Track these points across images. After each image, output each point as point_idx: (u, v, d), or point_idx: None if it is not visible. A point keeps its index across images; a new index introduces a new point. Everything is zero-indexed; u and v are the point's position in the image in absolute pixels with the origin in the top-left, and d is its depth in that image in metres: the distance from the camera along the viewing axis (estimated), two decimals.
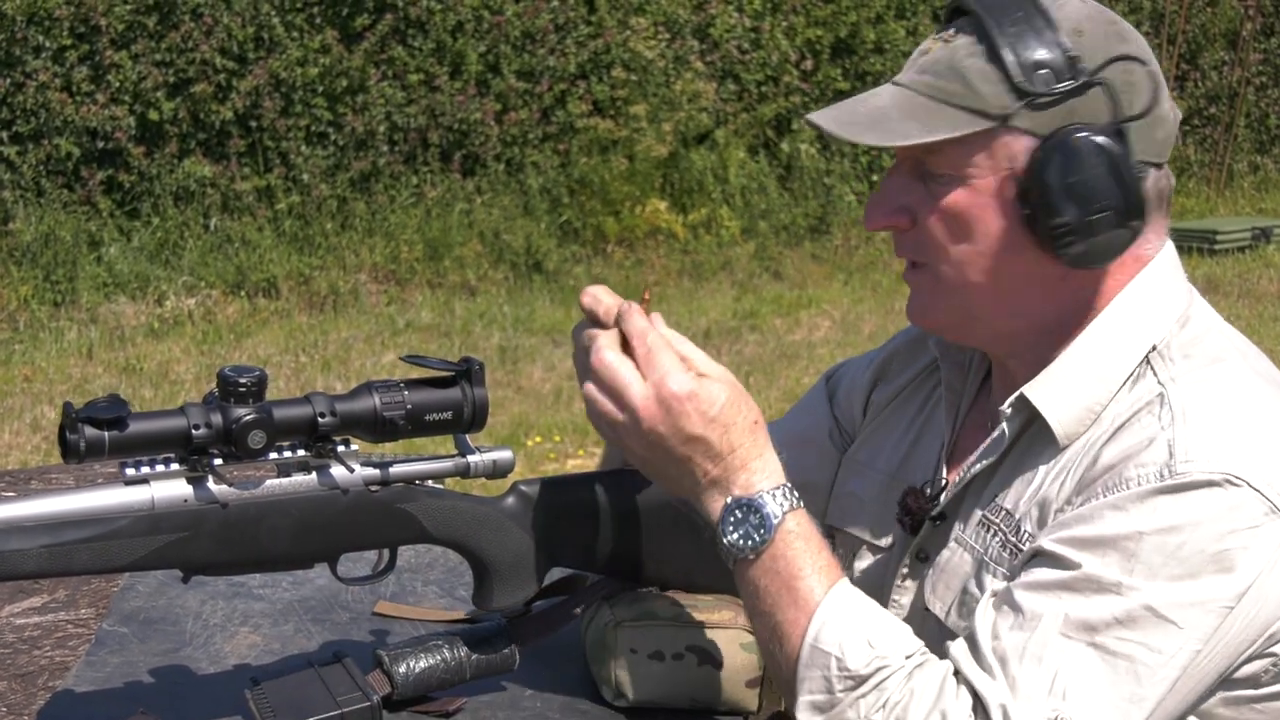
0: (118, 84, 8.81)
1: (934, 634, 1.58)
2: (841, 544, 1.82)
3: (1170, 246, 1.61)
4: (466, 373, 1.55)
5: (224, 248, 9.03)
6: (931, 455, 1.72)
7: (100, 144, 8.82)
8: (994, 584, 1.52)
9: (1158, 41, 11.65)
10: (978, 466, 1.60)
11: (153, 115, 8.88)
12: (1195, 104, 12.67)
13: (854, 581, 1.77)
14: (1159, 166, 1.54)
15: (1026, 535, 1.52)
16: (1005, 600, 1.45)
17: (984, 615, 1.45)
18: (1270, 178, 13.15)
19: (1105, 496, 1.44)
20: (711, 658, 1.65)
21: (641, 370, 1.48)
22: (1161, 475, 1.42)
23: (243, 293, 8.92)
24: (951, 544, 1.61)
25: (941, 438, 1.72)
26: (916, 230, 1.58)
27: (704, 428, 1.47)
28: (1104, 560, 1.41)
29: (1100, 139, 1.48)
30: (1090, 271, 1.54)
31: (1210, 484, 1.41)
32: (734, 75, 10.65)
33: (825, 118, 1.57)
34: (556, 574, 1.73)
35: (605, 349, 1.50)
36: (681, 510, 1.69)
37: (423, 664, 1.63)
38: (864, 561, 1.78)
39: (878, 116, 1.54)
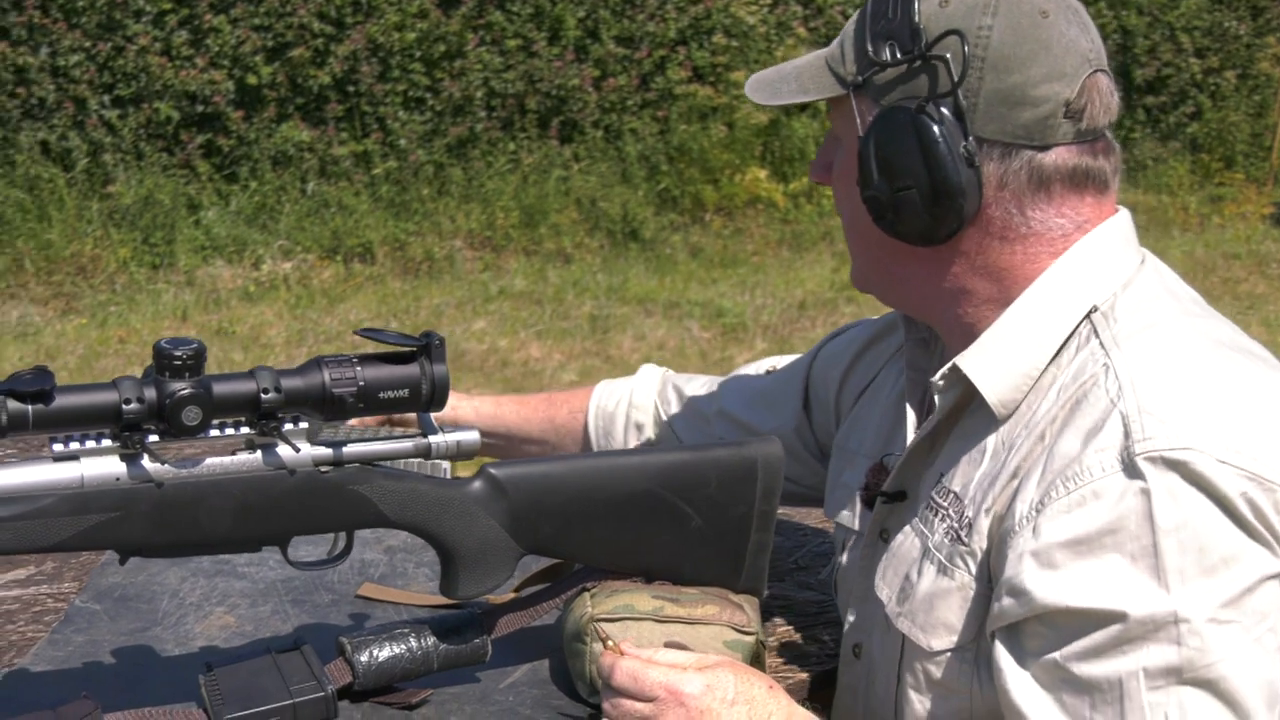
0: (217, 48, 8.83)
1: (880, 623, 1.55)
2: (835, 538, 1.77)
3: (1121, 219, 1.52)
4: (426, 348, 1.46)
5: (320, 212, 9.03)
6: (904, 435, 1.64)
7: (199, 108, 8.84)
8: (929, 572, 1.48)
9: None
10: (911, 438, 1.56)
11: (251, 79, 8.89)
12: None
13: (843, 574, 1.69)
14: (1041, 149, 1.45)
15: (968, 523, 1.45)
16: (1065, 681, 1.33)
17: (1047, 709, 1.34)
18: None
19: (1074, 492, 1.35)
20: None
21: (650, 695, 1.42)
22: (1122, 459, 1.33)
23: (338, 257, 8.93)
24: (905, 528, 1.56)
25: (910, 418, 1.64)
26: None
27: (731, 712, 1.41)
28: (1140, 593, 1.30)
29: (916, 114, 1.43)
30: (976, 248, 1.49)
31: (1176, 464, 1.31)
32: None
33: (752, 80, 1.60)
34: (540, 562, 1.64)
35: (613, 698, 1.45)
36: (664, 496, 1.60)
37: (386, 653, 1.56)
38: (850, 552, 1.71)
39: (784, 77, 1.56)
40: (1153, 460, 1.31)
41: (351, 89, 9.15)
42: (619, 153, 9.71)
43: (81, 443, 1.37)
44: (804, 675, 1.75)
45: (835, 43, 1.54)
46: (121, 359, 7.20)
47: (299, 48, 8.97)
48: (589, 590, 1.61)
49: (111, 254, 8.43)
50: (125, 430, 1.36)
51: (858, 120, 1.49)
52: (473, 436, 1.51)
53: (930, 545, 1.50)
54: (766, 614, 1.84)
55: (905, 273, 1.54)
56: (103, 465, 1.37)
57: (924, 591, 1.48)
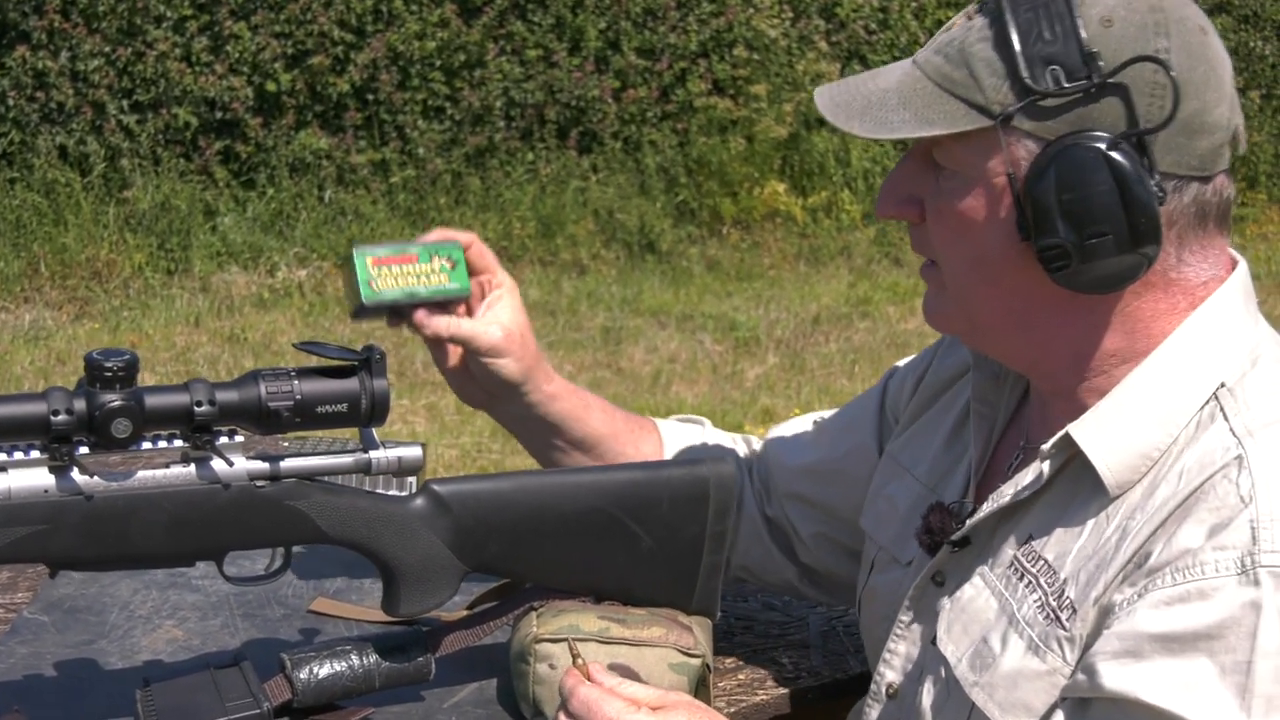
0: (236, 55, 8.85)
1: (933, 670, 1.44)
2: (866, 551, 1.69)
3: (1242, 269, 1.41)
4: (366, 362, 1.44)
5: (337, 220, 9.04)
6: (963, 473, 1.57)
7: (218, 114, 8.86)
8: (1015, 646, 1.36)
9: None
10: (1006, 499, 1.42)
11: (270, 86, 8.91)
12: None
13: (870, 593, 1.64)
14: (1204, 180, 1.34)
15: (1069, 605, 1.33)
16: None
17: None
18: None
19: (1180, 585, 1.26)
20: (636, 677, 1.52)
21: None
22: (1242, 563, 1.24)
23: None
24: (976, 580, 1.44)
25: (971, 453, 1.56)
26: (924, 227, 1.43)
27: None
28: (1220, 710, 1.22)
29: (1109, 152, 1.29)
30: (1117, 295, 1.36)
31: None
32: (860, 56, 10.41)
33: (825, 96, 1.43)
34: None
35: None
36: (615, 515, 1.57)
37: (326, 670, 1.53)
38: (884, 574, 1.63)
39: (875, 101, 1.38)
40: (1275, 574, 1.22)
41: (371, 97, 9.16)
42: (638, 164, 9.69)
43: (9, 454, 1.35)
44: (761, 697, 1.72)
45: (943, 60, 1.36)
46: None
47: (319, 55, 8.99)
48: (536, 610, 1.59)
49: (127, 259, 8.45)
50: (54, 442, 1.34)
51: (1006, 157, 1.33)
52: (414, 452, 1.49)
53: (1018, 615, 1.38)
54: (727, 633, 1.81)
55: (1036, 322, 1.40)
56: (31, 477, 1.35)
57: (1009, 668, 1.36)
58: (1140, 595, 1.27)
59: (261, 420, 1.40)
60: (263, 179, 9.01)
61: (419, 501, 1.51)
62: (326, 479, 1.47)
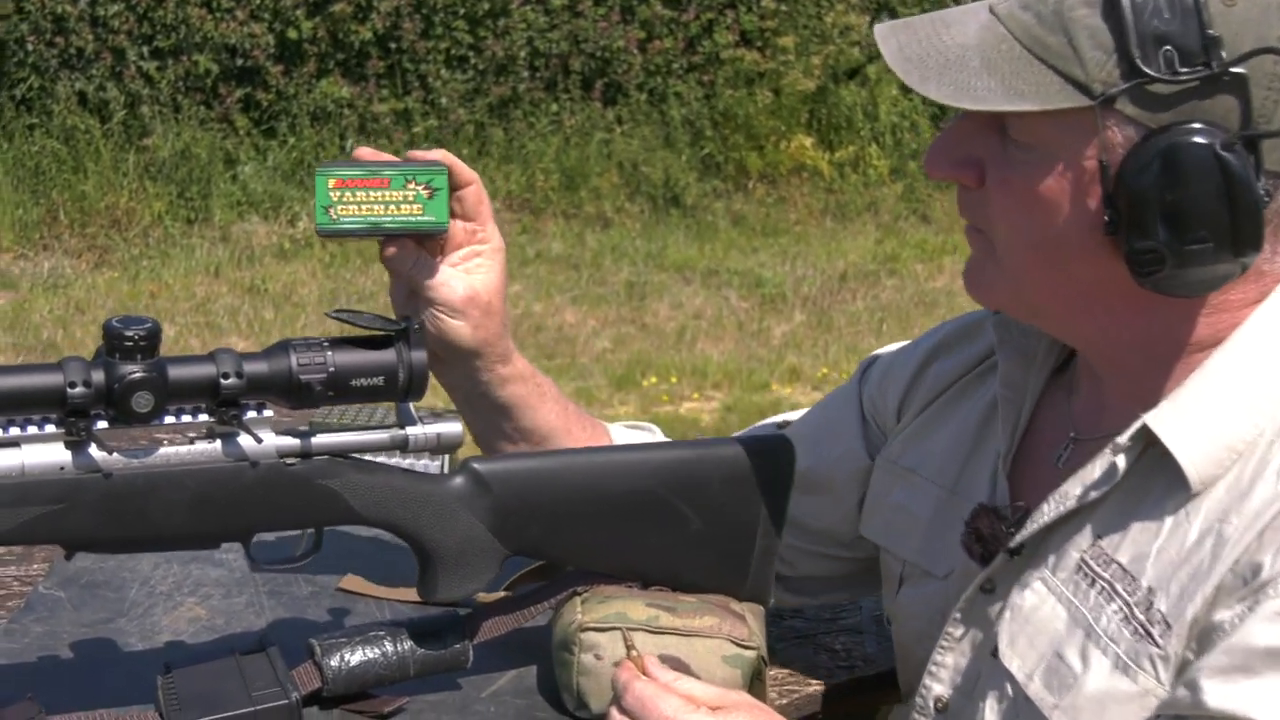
0: (257, 1, 8.73)
1: (995, 686, 1.33)
2: (887, 564, 1.56)
3: None
4: (404, 332, 1.34)
5: None
6: (991, 465, 1.44)
7: (239, 62, 8.75)
8: (1098, 665, 1.24)
9: None
10: (1073, 499, 1.30)
11: (291, 34, 8.79)
12: None
13: (901, 608, 1.54)
14: None
15: (1161, 619, 1.21)
16: None
17: None
18: None
19: None
20: (687, 669, 1.43)
21: None
22: None
23: None
24: (1036, 586, 1.31)
25: (998, 445, 1.43)
26: (982, 192, 1.29)
27: None
28: None
29: (1222, 151, 1.16)
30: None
31: None
32: (889, 8, 10.24)
33: (892, 43, 1.26)
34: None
35: None
36: (664, 496, 1.48)
37: (359, 657, 1.44)
38: (917, 587, 1.51)
39: (954, 59, 1.23)
40: None
41: (393, 46, 9.04)
42: (663, 116, 9.57)
43: (23, 428, 1.26)
44: (814, 687, 1.63)
45: (1034, 20, 1.20)
46: (151, 314, 7.10)
47: (341, 2, 8.86)
48: (580, 595, 1.50)
49: (146, 207, 8.36)
50: (71, 416, 1.25)
51: (1100, 141, 1.19)
52: (455, 428, 1.40)
53: (1096, 628, 1.26)
54: (775, 617, 1.72)
55: (1103, 308, 1.28)
56: (45, 453, 1.26)
57: (1095, 689, 1.24)
58: (1251, 609, 1.16)
59: (292, 394, 1.31)
60: (284, 128, 8.91)
61: (458, 480, 1.42)
62: (360, 456, 1.38)
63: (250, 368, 1.29)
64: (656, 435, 1.77)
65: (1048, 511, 1.32)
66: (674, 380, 6.43)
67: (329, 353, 1.32)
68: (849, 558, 1.65)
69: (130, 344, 1.24)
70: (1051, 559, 1.32)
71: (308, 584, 1.71)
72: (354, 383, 1.32)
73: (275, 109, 8.89)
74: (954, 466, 1.50)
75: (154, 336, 1.26)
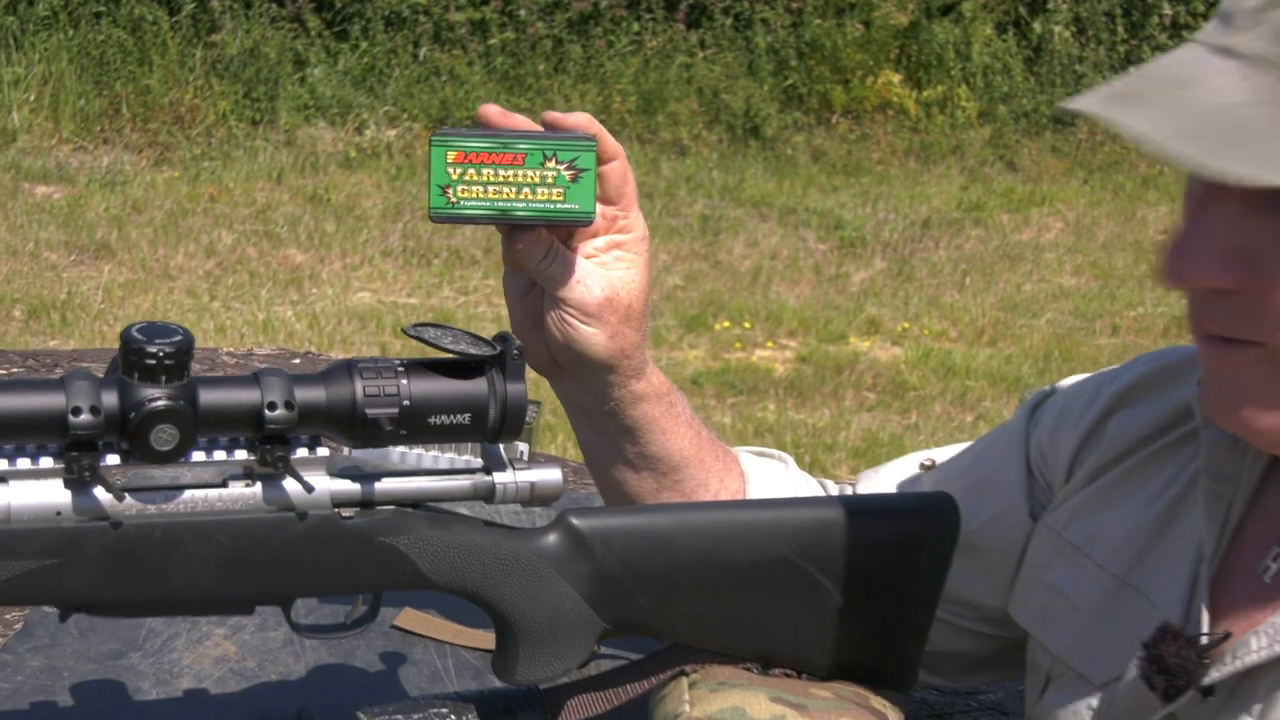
0: None
1: None
2: (1034, 657, 1.28)
3: None
4: (499, 357, 1.06)
5: (430, 80, 8.64)
6: (1183, 568, 1.14)
7: None
8: None
9: None
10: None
11: None
12: None
13: (1047, 713, 1.25)
14: None
15: None
16: None
17: None
18: None
19: None
20: None
21: None
22: None
23: None
24: None
25: (1199, 546, 1.13)
26: (1250, 296, 0.98)
27: None
28: None
29: None
30: None
31: None
32: None
33: (1144, 125, 0.94)
34: None
35: None
36: (799, 565, 1.20)
37: None
38: (1065, 692, 1.22)
39: (1229, 125, 0.93)
40: None
41: None
42: (747, 43, 9.22)
43: (12, 461, 0.99)
44: None
45: None
46: (209, 219, 6.89)
47: None
48: (688, 676, 1.22)
49: (211, 105, 8.10)
50: (72, 449, 0.98)
51: None
52: (553, 478, 1.12)
53: None
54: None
55: None
56: (39, 493, 0.99)
57: None
58: None
59: (354, 430, 1.03)
60: (356, 31, 8.62)
61: (552, 538, 1.14)
62: (433, 505, 1.10)
63: (303, 395, 1.02)
64: (789, 466, 1.48)
65: (1256, 648, 1.03)
66: (747, 325, 6.13)
67: (403, 380, 1.04)
68: (995, 636, 1.36)
69: (153, 362, 0.97)
70: (1258, 708, 1.04)
71: None
72: (433, 419, 1.05)
73: (348, 11, 8.60)
74: (1129, 553, 1.21)
75: (184, 353, 0.98)
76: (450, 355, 1.06)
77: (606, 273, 1.27)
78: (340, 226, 7.01)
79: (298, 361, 2.17)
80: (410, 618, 1.45)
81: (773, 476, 1.44)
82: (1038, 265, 7.34)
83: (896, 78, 9.37)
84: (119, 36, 8.16)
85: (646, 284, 1.30)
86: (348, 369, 1.04)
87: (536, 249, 1.24)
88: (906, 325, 6.32)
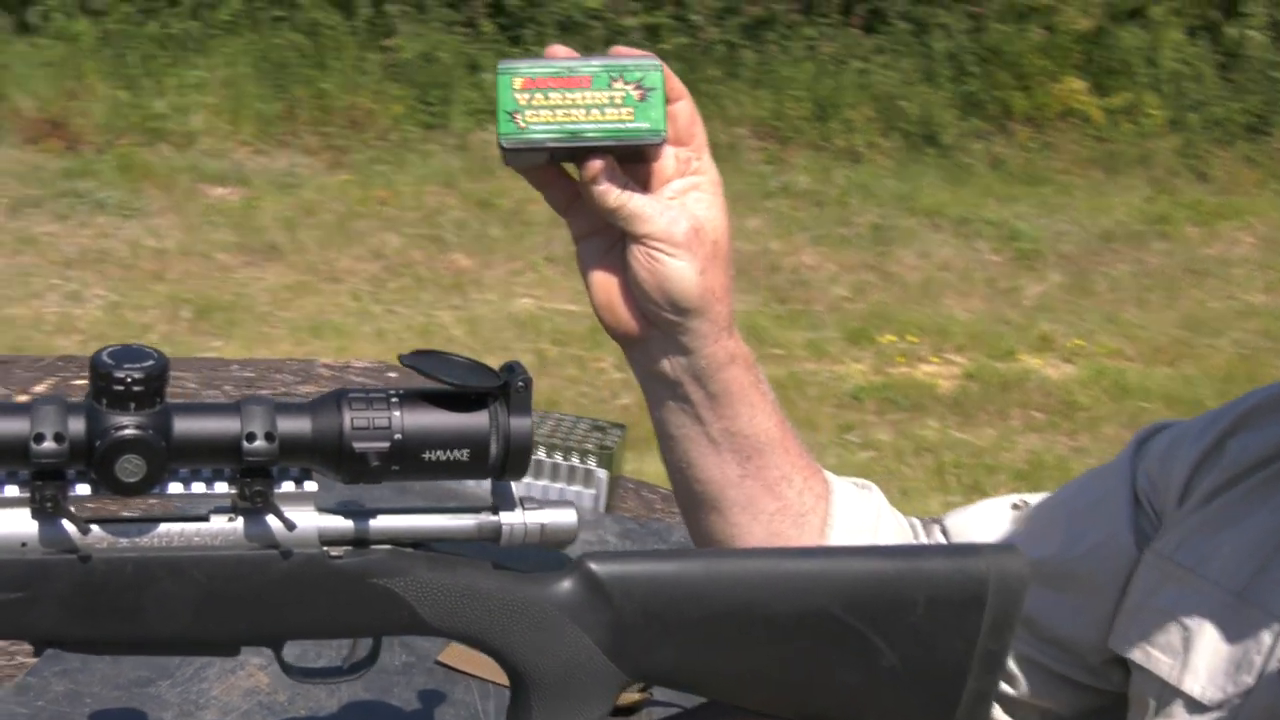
0: None
1: None
2: (1139, 690, 1.19)
3: None
4: (503, 389, 0.98)
5: None
6: None
7: None
8: None
9: None
10: None
11: None
12: None
13: None
14: None
15: None
16: None
17: None
18: None
19: None
20: None
21: None
22: None
23: None
24: None
25: None
26: None
27: None
28: None
29: None
30: None
31: None
32: None
33: None
34: None
35: None
36: (849, 622, 1.10)
37: None
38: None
39: None
40: None
41: None
42: (925, 49, 9.02)
43: None
44: None
45: None
46: (378, 222, 6.95)
47: None
48: None
49: (385, 109, 8.17)
50: (38, 477, 0.92)
51: None
52: (566, 519, 1.03)
53: None
54: None
55: None
56: (3, 523, 0.94)
57: None
58: None
59: (342, 464, 0.96)
60: (530, 35, 8.62)
61: (567, 584, 1.06)
62: (434, 545, 1.03)
63: (286, 426, 0.95)
64: (874, 493, 1.37)
65: None
66: (912, 339, 5.98)
67: (395, 412, 0.97)
68: (1088, 685, 1.26)
69: (121, 389, 0.91)
70: None
71: (402, 648, 1.38)
72: (427, 455, 0.97)
73: (522, 16, 8.62)
74: (1247, 569, 1.13)
75: (156, 379, 0.92)
76: (448, 385, 0.98)
77: (689, 208, 1.20)
78: (506, 231, 7.02)
79: (394, 375, 2.12)
80: (455, 654, 1.38)
81: (857, 499, 1.34)
82: (1225, 281, 7.05)
83: (1080, 84, 9.09)
84: (297, 40, 8.29)
85: (728, 227, 1.23)
86: (336, 399, 0.97)
87: (615, 178, 1.17)
88: (1080, 342, 6.10)
